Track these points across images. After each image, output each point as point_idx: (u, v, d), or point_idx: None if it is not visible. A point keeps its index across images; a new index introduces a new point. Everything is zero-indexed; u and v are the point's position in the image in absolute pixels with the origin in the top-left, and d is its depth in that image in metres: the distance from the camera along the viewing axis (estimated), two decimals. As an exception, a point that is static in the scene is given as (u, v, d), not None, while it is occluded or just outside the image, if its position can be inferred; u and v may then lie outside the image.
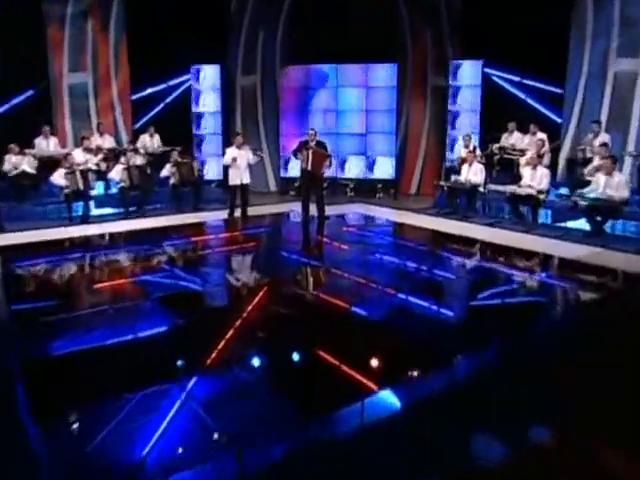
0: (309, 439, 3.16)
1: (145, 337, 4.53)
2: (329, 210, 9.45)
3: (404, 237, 9.03)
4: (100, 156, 10.29)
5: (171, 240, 8.18)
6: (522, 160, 9.35)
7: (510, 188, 8.70)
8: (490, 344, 4.36)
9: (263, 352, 4.23)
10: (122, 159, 10.07)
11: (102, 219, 9.47)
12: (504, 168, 10.08)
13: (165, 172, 10.21)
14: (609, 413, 3.30)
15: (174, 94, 12.37)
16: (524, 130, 10.16)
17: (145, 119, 11.97)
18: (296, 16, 12.14)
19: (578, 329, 4.88)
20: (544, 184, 8.41)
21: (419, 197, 11.96)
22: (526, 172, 8.68)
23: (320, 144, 9.24)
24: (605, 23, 9.38)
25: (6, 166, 9.43)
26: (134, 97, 11.84)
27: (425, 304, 5.32)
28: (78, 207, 9.32)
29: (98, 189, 10.18)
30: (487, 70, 11.31)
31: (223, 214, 9.84)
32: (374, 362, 4.04)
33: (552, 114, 10.56)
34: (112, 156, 10.45)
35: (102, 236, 8.53)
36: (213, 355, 4.07)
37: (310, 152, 9.02)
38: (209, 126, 12.37)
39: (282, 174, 12.69)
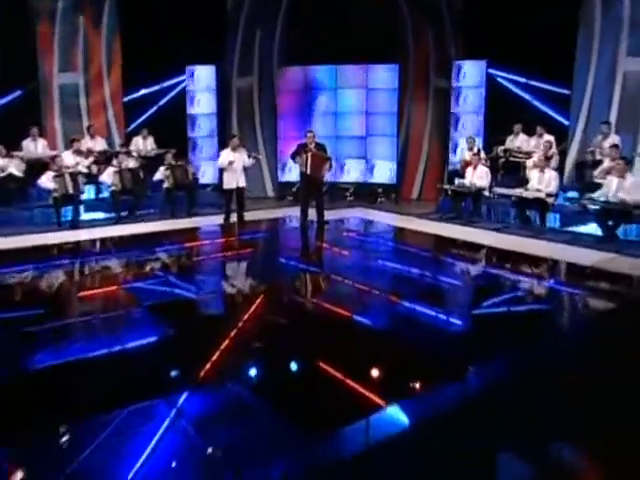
0: (311, 459, 2.97)
1: (134, 348, 4.34)
2: (328, 215, 9.33)
3: (407, 242, 8.88)
4: (91, 159, 10.11)
5: (164, 246, 8.03)
6: (529, 163, 9.23)
7: (517, 191, 8.55)
8: (500, 355, 4.19)
9: (260, 364, 4.05)
10: (114, 162, 9.91)
11: (92, 224, 9.29)
12: (509, 171, 9.95)
13: (158, 175, 10.04)
14: (627, 426, 3.15)
15: (168, 95, 12.23)
16: (530, 132, 10.02)
17: (138, 121, 11.83)
18: (294, 15, 12.00)
19: (592, 339, 4.70)
20: (553, 187, 8.26)
21: (421, 202, 11.82)
22: (533, 175, 8.54)
23: (320, 147, 9.08)
24: (614, 22, 9.25)
25: (-8, 169, 9.26)
26: (127, 98, 11.70)
27: (431, 312, 5.15)
28: (67, 212, 9.15)
29: (88, 193, 9.98)
30: (491, 71, 11.18)
31: (218, 219, 9.69)
32: (379, 375, 3.88)
33: (559, 116, 10.41)
34: (103, 159, 10.28)
35: (92, 242, 8.37)
36: (206, 368, 3.88)
37: (309, 155, 8.86)
38: (204, 129, 12.25)
39: (280, 178, 12.51)
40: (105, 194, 10.02)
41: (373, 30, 11.32)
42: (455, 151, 11.40)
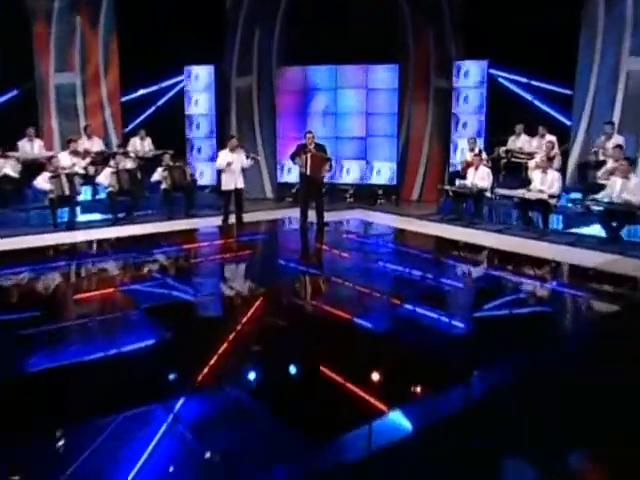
0: (311, 466, 2.91)
1: (130, 352, 4.28)
2: (327, 217, 9.27)
3: (408, 244, 8.81)
4: (88, 160, 10.06)
5: (162, 248, 7.97)
6: (531, 163, 9.18)
7: (519, 193, 8.50)
8: (504, 359, 4.13)
9: (259, 368, 4.00)
10: (111, 162, 9.86)
11: (89, 226, 9.23)
12: (511, 172, 9.89)
13: (156, 176, 9.98)
14: (633, 430, 3.12)
15: (167, 96, 12.21)
16: (532, 133, 9.98)
17: (136, 122, 11.79)
18: (294, 14, 11.95)
19: (596, 342, 4.65)
20: (555, 188, 8.21)
21: (421, 204, 11.78)
22: (536, 176, 8.49)
23: (319, 147, 9.03)
24: (617, 21, 9.20)
25: (-12, 170, 9.19)
26: (124, 99, 11.67)
27: (433, 315, 5.10)
28: (63, 213, 9.08)
29: (85, 194, 9.93)
30: (492, 71, 11.14)
31: (217, 220, 9.63)
32: (381, 379, 3.82)
33: (561, 116, 10.37)
34: (100, 160, 10.21)
35: (89, 244, 8.31)
36: (205, 372, 3.82)
37: (309, 156, 8.81)
38: (203, 129, 12.21)
39: (279, 179, 12.46)
40: (102, 195, 9.96)
41: (373, 30, 11.28)
42: (456, 152, 11.34)
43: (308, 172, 8.84)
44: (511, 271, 6.83)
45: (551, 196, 8.17)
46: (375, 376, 3.86)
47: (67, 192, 8.91)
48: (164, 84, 12.12)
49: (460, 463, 2.86)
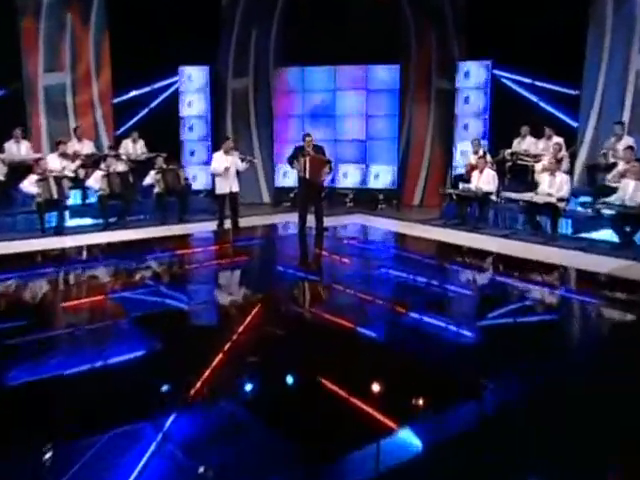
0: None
1: (118, 364, 4.10)
2: (327, 222, 9.16)
3: (411, 249, 8.66)
4: (78, 162, 9.91)
5: (155, 254, 7.88)
6: (538, 166, 9.07)
7: (527, 196, 8.37)
8: (515, 371, 3.96)
9: (257, 381, 3.82)
10: (102, 165, 9.70)
11: (78, 231, 9.08)
12: (516, 175, 9.80)
13: (149, 180, 9.87)
14: None
15: (160, 97, 12.10)
16: (537, 134, 9.87)
17: (128, 124, 11.67)
18: (291, 14, 11.90)
19: (611, 351, 4.49)
20: (565, 191, 8.08)
21: (423, 208, 11.73)
22: (544, 178, 8.36)
23: (318, 149, 8.85)
24: (626, 19, 9.12)
25: (-28, 172, 9.04)
26: (116, 100, 11.57)
27: (441, 324, 4.93)
28: (52, 217, 8.95)
29: (74, 198, 9.81)
30: (496, 71, 11.06)
31: (212, 226, 9.53)
32: (386, 393, 3.66)
33: (567, 117, 10.27)
34: (91, 162, 10.08)
35: (78, 249, 8.18)
36: (197, 385, 3.64)
37: (308, 159, 8.63)
38: (197, 132, 12.12)
39: (276, 184, 12.32)
40: (92, 199, 9.82)
41: (373, 29, 11.25)
42: (456, 155, 11.26)
43: (307, 176, 8.66)
44: (520, 278, 6.65)
45: (560, 199, 8.03)
46: (379, 389, 3.71)
47: (55, 196, 8.78)
48: (157, 85, 12.03)
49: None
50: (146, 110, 11.88)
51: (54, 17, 10.63)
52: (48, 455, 2.88)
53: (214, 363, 3.96)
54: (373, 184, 12.01)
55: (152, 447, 2.93)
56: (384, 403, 3.44)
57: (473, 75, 11.15)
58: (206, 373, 3.80)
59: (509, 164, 9.84)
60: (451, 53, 11.50)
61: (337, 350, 4.35)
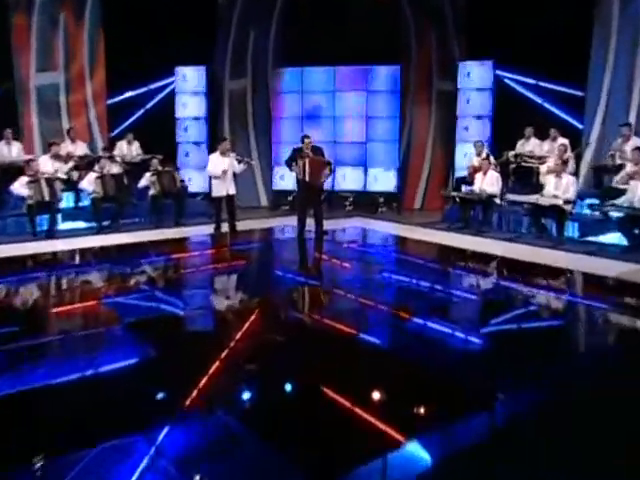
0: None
1: (109, 373, 3.95)
2: (326, 225, 9.06)
3: (413, 253, 8.55)
4: (71, 164, 9.79)
5: (150, 258, 7.78)
6: (543, 168, 8.96)
7: (533, 198, 8.26)
8: (526, 379, 3.84)
9: (255, 392, 3.71)
10: (95, 167, 9.59)
11: (71, 234, 8.99)
12: (520, 177, 9.71)
13: (144, 182, 9.79)
14: None
15: (156, 98, 12.04)
16: (540, 136, 9.80)
17: (123, 126, 11.60)
18: (290, 13, 11.82)
19: (623, 358, 4.38)
20: (571, 193, 7.97)
21: (424, 212, 11.66)
22: (549, 180, 8.26)
23: (316, 150, 8.75)
24: (632, 19, 9.05)
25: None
26: (111, 101, 11.51)
27: (447, 330, 4.81)
28: (43, 220, 8.86)
29: (67, 201, 9.71)
30: (498, 72, 10.99)
31: (208, 229, 9.43)
32: (393, 404, 3.51)
33: (572, 119, 10.20)
34: (84, 164, 9.97)
35: (71, 253, 8.08)
36: (193, 395, 3.50)
37: (307, 161, 8.52)
38: (193, 133, 12.02)
39: (274, 186, 12.21)
40: (86, 202, 9.73)
41: (373, 30, 11.16)
42: (456, 157, 11.18)
43: (307, 178, 8.54)
44: (526, 282, 6.51)
45: (566, 202, 7.92)
46: (384, 400, 3.59)
47: (47, 198, 8.67)
48: (153, 86, 11.98)
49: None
50: (142, 111, 11.82)
51: (47, 14, 10.54)
52: (33, 470, 2.75)
53: (210, 371, 3.85)
54: (373, 187, 11.92)
55: (144, 462, 2.80)
56: (389, 414, 3.31)
57: (475, 76, 11.08)
58: (202, 382, 3.67)
59: (513, 166, 9.74)
60: (452, 53, 11.43)
61: (338, 358, 4.24)
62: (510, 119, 10.34)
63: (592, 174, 9.32)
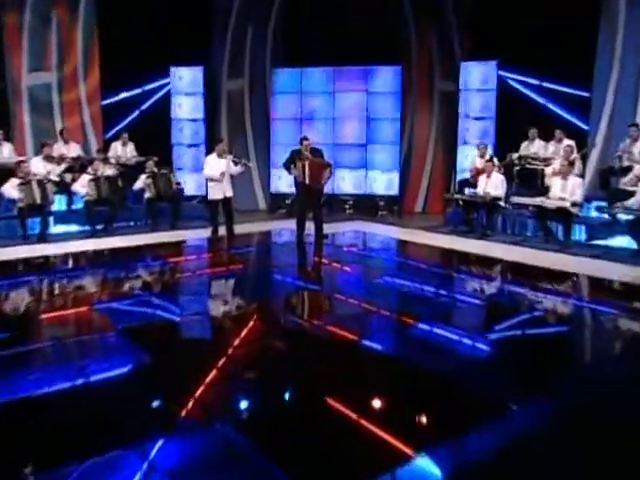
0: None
1: (101, 382, 3.83)
2: (325, 228, 8.98)
3: (416, 257, 8.43)
4: (64, 166, 9.70)
5: (145, 262, 7.69)
6: (548, 170, 8.89)
7: (538, 201, 8.17)
8: (537, 387, 3.74)
9: (254, 402, 3.59)
10: (89, 169, 9.51)
11: (64, 238, 8.88)
12: (525, 179, 9.61)
13: (139, 184, 9.72)
14: None
15: (151, 99, 11.97)
16: (545, 137, 9.74)
17: (118, 127, 11.51)
18: (289, 13, 11.83)
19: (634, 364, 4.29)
20: (578, 195, 7.89)
21: (425, 215, 11.66)
22: (555, 182, 8.18)
23: (315, 152, 8.65)
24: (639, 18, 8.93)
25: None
26: (105, 102, 11.42)
27: (453, 337, 4.68)
28: (35, 224, 8.76)
29: (59, 203, 9.60)
30: (502, 73, 10.93)
31: (205, 232, 9.31)
32: (400, 415, 3.37)
33: (577, 120, 10.14)
34: (78, 166, 9.88)
35: (63, 257, 7.97)
36: (188, 406, 3.39)
37: (306, 163, 8.41)
38: (190, 135, 11.95)
39: (272, 189, 12.11)
40: (79, 205, 9.63)
41: (373, 30, 11.16)
42: (463, 159, 11.08)
43: (307, 181, 8.44)
44: (533, 287, 6.39)
45: (573, 204, 7.83)
46: (390, 410, 3.47)
47: (38, 200, 8.55)
48: (148, 86, 11.91)
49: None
50: (137, 112, 11.75)
51: (38, 12, 10.45)
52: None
53: (207, 380, 3.73)
54: (373, 190, 11.85)
55: (136, 478, 2.67)
56: (396, 425, 3.18)
57: (477, 76, 11.03)
58: (198, 392, 3.55)
59: (517, 168, 9.65)
60: (453, 54, 11.42)
61: (341, 365, 4.13)
62: (513, 120, 10.28)
63: (598, 176, 9.23)
